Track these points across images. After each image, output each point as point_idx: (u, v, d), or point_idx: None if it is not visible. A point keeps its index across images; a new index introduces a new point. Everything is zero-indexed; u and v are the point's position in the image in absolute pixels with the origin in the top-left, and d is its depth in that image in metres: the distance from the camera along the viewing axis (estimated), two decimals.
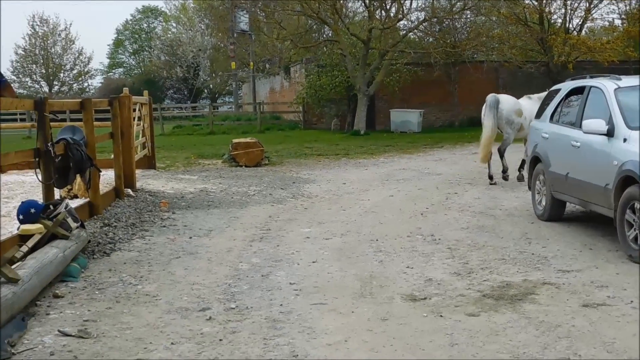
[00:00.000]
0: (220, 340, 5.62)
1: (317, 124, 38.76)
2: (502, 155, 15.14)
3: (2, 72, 7.91)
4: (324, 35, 42.96)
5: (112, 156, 13.05)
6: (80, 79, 74.54)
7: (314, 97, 36.87)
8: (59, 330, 5.80)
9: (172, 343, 5.56)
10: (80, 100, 11.38)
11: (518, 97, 15.63)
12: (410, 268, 7.86)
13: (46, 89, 70.10)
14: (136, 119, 15.95)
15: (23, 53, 71.12)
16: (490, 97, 14.89)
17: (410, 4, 36.81)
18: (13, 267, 6.35)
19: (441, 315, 6.16)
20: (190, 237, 9.79)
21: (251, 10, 51.50)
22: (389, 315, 6.22)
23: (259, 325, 5.99)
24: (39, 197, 9.50)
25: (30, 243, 7.40)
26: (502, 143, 15.14)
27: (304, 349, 5.38)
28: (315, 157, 22.31)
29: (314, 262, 8.27)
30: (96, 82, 78.76)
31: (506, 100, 14.93)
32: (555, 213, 10.42)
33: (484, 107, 14.90)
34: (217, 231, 10.29)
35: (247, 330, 5.85)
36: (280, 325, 5.95)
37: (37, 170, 8.89)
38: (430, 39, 37.53)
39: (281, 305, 6.55)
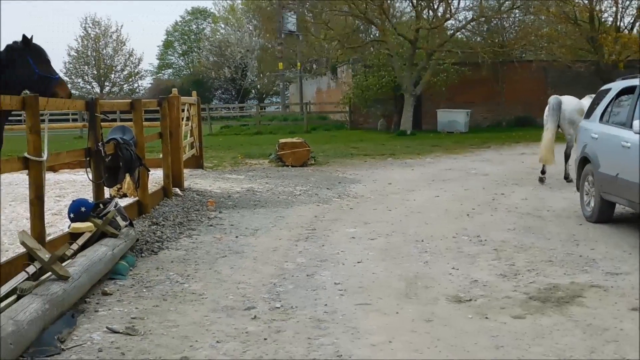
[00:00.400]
0: (265, 339, 5.65)
1: (364, 124, 38.72)
2: (567, 160, 14.97)
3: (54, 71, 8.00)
4: (371, 36, 42.88)
5: (161, 156, 13.20)
6: (130, 79, 75.59)
7: (360, 97, 36.89)
8: (107, 327, 5.89)
9: (217, 341, 5.61)
10: (130, 100, 11.55)
11: (568, 95, 15.43)
12: (455, 269, 7.83)
13: (97, 89, 71.25)
14: (185, 119, 16.14)
15: (75, 54, 72.38)
16: (553, 99, 14.72)
17: (458, 3, 36.66)
18: (63, 264, 6.47)
19: (486, 317, 6.12)
20: (237, 237, 9.86)
21: (299, 11, 51.80)
22: (433, 316, 6.20)
23: (304, 324, 6.01)
24: (89, 195, 9.66)
25: (81, 241, 7.54)
26: (566, 146, 14.95)
27: (348, 349, 5.39)
28: (361, 157, 22.30)
29: (359, 262, 8.28)
30: (146, 82, 79.82)
31: (569, 102, 14.76)
32: (604, 214, 10.27)
33: (546, 108, 14.73)
34: (263, 230, 10.35)
35: (291, 330, 5.87)
36: (324, 325, 5.97)
37: (88, 169, 9.05)
38: (478, 39, 37.29)
39: (326, 305, 6.57)
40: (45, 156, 7.22)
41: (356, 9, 34.65)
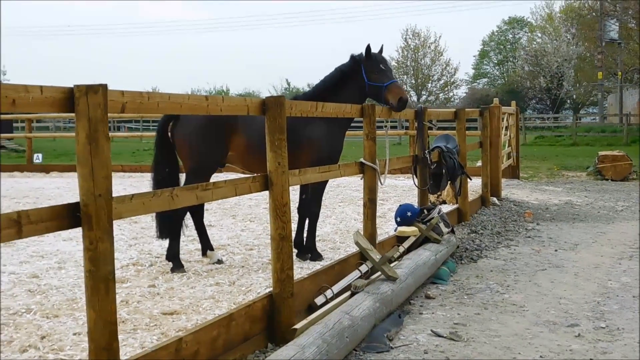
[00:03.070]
0: (591, 359, 5.50)
1: None
2: None
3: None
4: None
5: (478, 164, 13.33)
6: (446, 89, 76.64)
7: None
8: (431, 330, 6.05)
9: (540, 356, 5.52)
10: (454, 110, 11.81)
11: None
12: None
13: (415, 98, 73.17)
14: (503, 129, 16.15)
15: (396, 65, 74.90)
16: None
17: None
18: (391, 265, 6.78)
19: None
20: (556, 250, 9.67)
21: (622, 18, 49.38)
22: None
23: (632, 348, 5.73)
24: (409, 200, 10.00)
25: (406, 244, 7.86)
26: None
27: None
28: None
29: None
30: (461, 92, 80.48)
31: None
32: None
33: None
34: (583, 245, 10.04)
35: (618, 352, 5.63)
36: None
37: (414, 175, 9.38)
38: None
39: None
40: (387, 163, 7.65)
41: None
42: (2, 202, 12.25)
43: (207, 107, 4.76)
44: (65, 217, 3.59)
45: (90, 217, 3.57)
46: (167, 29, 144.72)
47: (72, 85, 3.58)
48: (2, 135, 26.65)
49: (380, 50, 8.15)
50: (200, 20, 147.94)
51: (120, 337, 5.05)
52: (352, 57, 8.08)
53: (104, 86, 3.61)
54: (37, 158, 23.10)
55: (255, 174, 6.24)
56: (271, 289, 5.57)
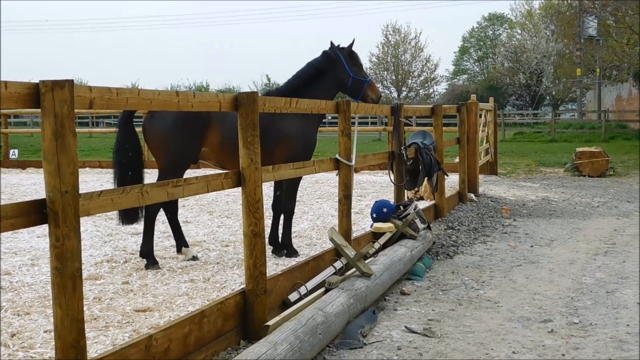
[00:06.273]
0: (563, 355, 5.49)
1: None
2: None
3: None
4: None
5: (456, 160, 13.36)
6: (426, 85, 76.82)
7: None
8: (405, 327, 6.05)
9: (513, 352, 5.54)
10: (431, 106, 11.82)
11: None
12: None
13: (395, 94, 73.24)
14: (481, 125, 16.19)
15: (376, 61, 74.96)
16: None
17: None
18: (366, 262, 6.78)
19: None
20: (532, 246, 9.71)
21: (600, 15, 49.65)
22: None
23: (604, 343, 5.77)
24: (387, 196, 10.00)
25: (382, 240, 7.86)
26: None
27: None
28: None
29: None
30: (441, 88, 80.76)
31: None
32: None
33: None
34: (559, 241, 10.08)
35: (591, 348, 5.66)
36: (627, 347, 5.68)
37: (390, 172, 9.38)
38: None
39: (628, 325, 6.25)
40: (353, 160, 7.62)
41: None
42: None
43: (177, 103, 4.73)
44: (31, 213, 3.55)
45: (56, 213, 3.54)
46: (150, 24, 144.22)
47: (37, 81, 3.54)
48: None
49: (352, 44, 8.17)
50: (182, 16, 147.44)
51: (91, 334, 5.04)
52: (326, 53, 8.07)
53: (70, 82, 3.57)
54: (14, 154, 22.92)
55: (228, 170, 6.21)
56: (245, 285, 5.55)
